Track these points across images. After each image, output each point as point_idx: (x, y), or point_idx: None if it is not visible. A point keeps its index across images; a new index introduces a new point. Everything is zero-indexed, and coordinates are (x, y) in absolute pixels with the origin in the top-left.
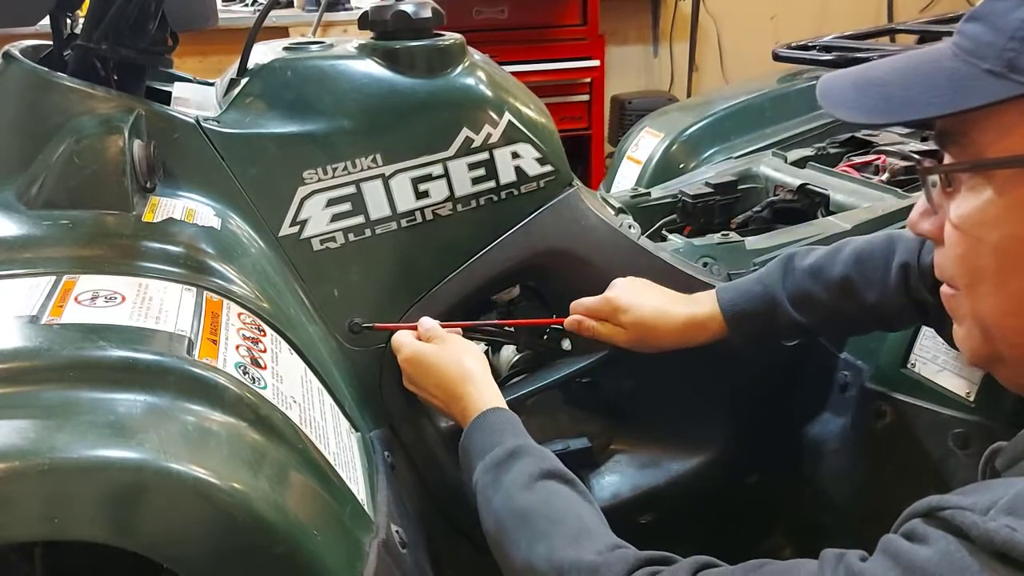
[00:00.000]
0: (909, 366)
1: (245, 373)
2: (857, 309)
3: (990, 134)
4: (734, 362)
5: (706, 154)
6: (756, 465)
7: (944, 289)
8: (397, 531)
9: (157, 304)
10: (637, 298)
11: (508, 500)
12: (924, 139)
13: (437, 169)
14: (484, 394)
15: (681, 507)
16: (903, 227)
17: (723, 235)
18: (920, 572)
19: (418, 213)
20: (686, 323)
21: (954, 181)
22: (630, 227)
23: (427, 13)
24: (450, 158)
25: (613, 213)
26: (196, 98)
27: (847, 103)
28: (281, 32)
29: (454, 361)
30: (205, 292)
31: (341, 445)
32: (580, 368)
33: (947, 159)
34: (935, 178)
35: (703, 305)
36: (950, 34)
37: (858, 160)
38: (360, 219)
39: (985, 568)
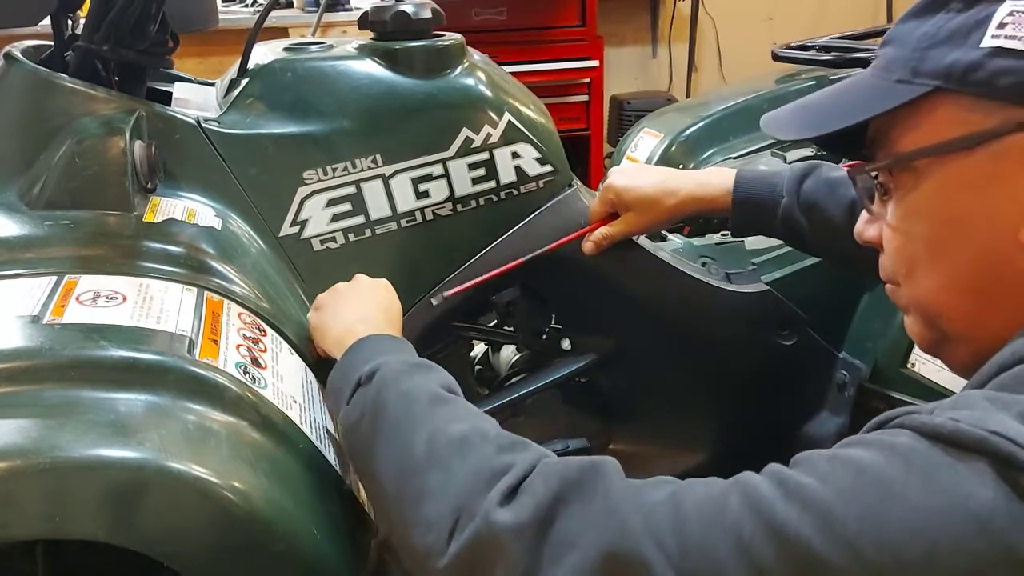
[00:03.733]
0: (909, 366)
1: (245, 373)
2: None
3: (905, 134)
4: (733, 361)
5: (705, 154)
6: (754, 465)
7: (888, 288)
8: None
9: (158, 304)
10: (635, 177)
11: (426, 384)
12: None
13: (437, 169)
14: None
15: None
16: None
17: (722, 235)
18: (882, 445)
19: (418, 213)
20: (689, 194)
21: (888, 188)
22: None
23: (427, 14)
24: (450, 158)
25: None
26: (197, 99)
27: (784, 125)
28: (281, 33)
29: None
30: (206, 292)
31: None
32: (578, 368)
33: (876, 160)
34: (871, 188)
35: (712, 178)
36: None
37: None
38: (360, 219)
39: (941, 454)
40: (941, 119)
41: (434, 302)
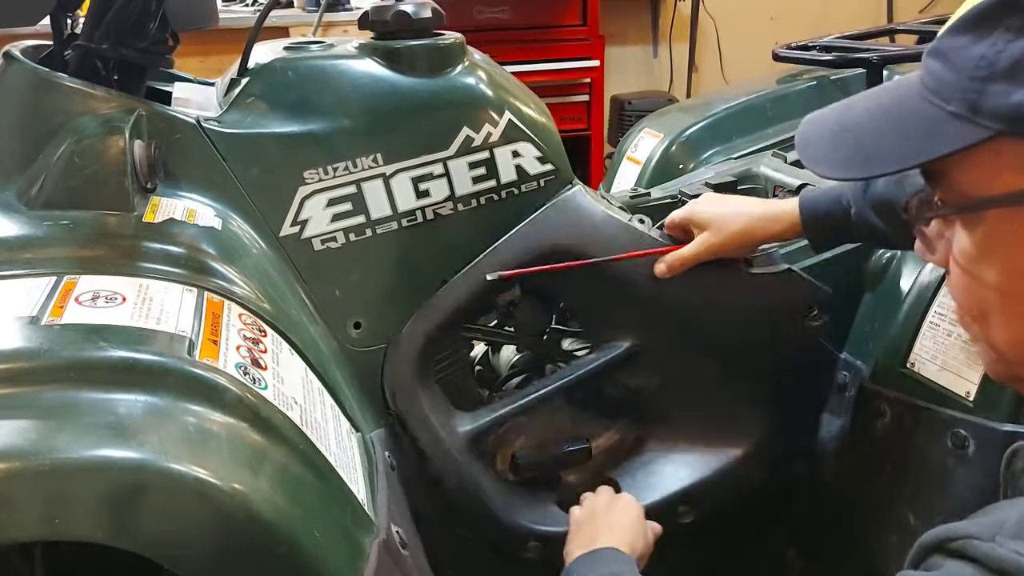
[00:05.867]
0: (908, 365)
1: (246, 374)
2: None
3: (970, 176)
4: (758, 348)
5: (706, 154)
6: (793, 459)
7: (957, 312)
8: (397, 531)
9: (158, 305)
10: (713, 202)
11: None
12: None
13: (438, 168)
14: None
15: (722, 505)
16: None
17: None
18: None
19: (419, 212)
20: (761, 215)
21: (952, 221)
22: (641, 221)
23: (427, 13)
24: (450, 157)
25: (621, 209)
26: (197, 98)
27: (824, 157)
28: (281, 32)
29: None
30: (206, 293)
31: (342, 446)
32: (601, 364)
33: (935, 196)
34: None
35: (782, 203)
36: None
37: None
38: (361, 219)
39: None
40: (1008, 165)
41: (489, 277)
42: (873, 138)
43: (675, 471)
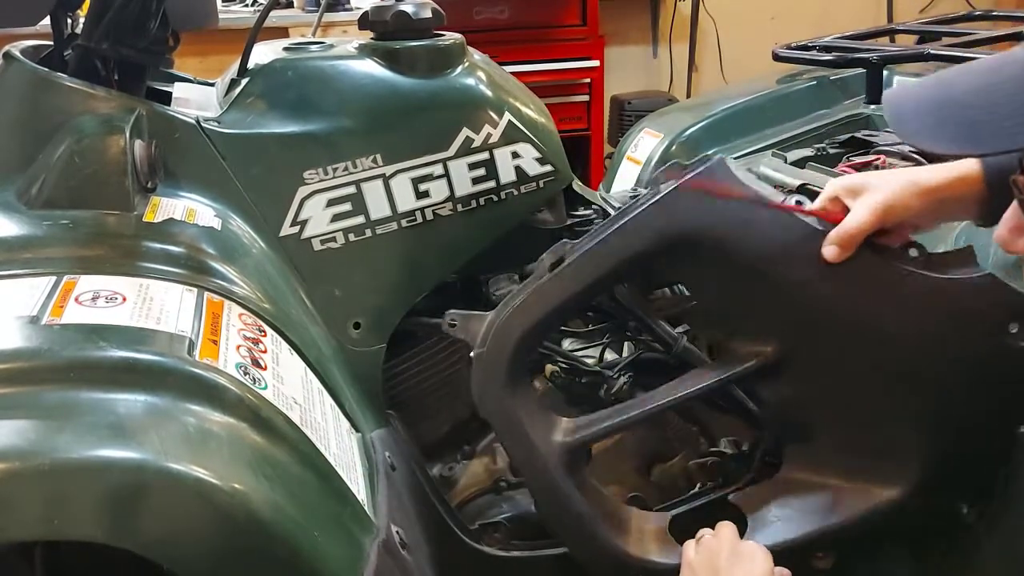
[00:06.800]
0: None
1: (246, 374)
2: None
3: None
4: (938, 371)
5: (706, 154)
6: (965, 492)
7: None
8: (397, 531)
9: (158, 305)
10: (868, 176)
11: None
12: None
13: (437, 169)
14: None
15: (871, 552)
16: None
17: None
18: None
19: (418, 213)
20: (925, 172)
21: None
22: (798, 203)
23: (427, 13)
24: (450, 158)
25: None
26: (197, 98)
27: (927, 131)
28: (281, 32)
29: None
30: (206, 293)
31: (342, 446)
32: (735, 374)
33: None
34: None
35: (954, 168)
36: (950, 35)
37: (858, 160)
38: (361, 219)
39: None
40: None
41: None
42: (985, 114)
43: (815, 505)
